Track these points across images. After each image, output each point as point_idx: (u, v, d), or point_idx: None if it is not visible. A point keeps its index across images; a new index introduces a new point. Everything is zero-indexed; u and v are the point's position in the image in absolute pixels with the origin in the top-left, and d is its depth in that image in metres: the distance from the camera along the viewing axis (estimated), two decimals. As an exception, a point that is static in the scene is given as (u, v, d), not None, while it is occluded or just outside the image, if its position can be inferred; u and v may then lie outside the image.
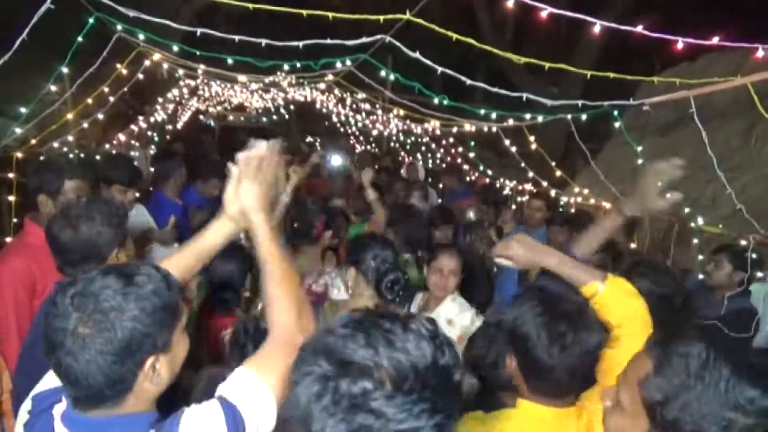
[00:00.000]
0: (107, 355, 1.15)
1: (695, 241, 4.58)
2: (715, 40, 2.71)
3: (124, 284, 1.19)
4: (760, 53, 2.74)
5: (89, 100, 4.85)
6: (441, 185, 8.42)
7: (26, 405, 1.34)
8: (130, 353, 1.18)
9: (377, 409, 0.83)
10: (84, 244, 2.01)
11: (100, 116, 5.27)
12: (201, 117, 14.97)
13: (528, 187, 6.38)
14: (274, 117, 14.69)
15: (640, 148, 4.70)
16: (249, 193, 1.51)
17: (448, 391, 0.89)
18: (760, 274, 3.67)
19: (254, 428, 1.23)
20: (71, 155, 5.26)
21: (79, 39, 3.68)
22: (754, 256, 3.69)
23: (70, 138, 5.29)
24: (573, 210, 5.59)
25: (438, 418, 0.86)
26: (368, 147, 11.73)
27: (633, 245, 4.36)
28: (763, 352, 1.65)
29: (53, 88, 4.37)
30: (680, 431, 1.06)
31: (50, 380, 1.35)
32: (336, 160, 7.88)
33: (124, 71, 4.97)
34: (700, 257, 4.22)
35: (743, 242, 3.88)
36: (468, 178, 7.96)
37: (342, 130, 12.16)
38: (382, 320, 0.91)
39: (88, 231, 2.02)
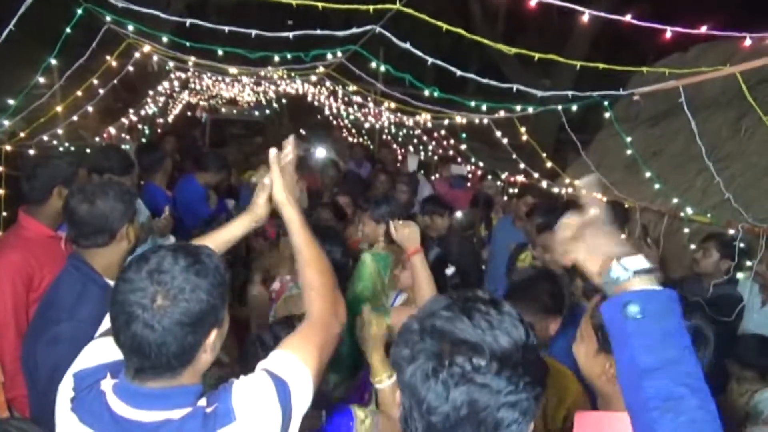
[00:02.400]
0: (184, 326, 1.25)
1: (685, 230, 4.61)
2: (704, 29, 2.71)
3: (193, 261, 1.29)
4: (747, 42, 2.74)
5: (79, 93, 4.82)
6: (435, 176, 8.46)
7: (68, 383, 1.39)
8: (201, 324, 1.28)
9: (488, 384, 0.93)
10: (98, 217, 2.16)
11: (90, 109, 5.23)
12: (193, 111, 14.90)
13: (520, 178, 6.40)
14: (266, 111, 14.63)
15: (629, 139, 4.73)
16: (279, 187, 1.65)
17: (539, 365, 1.00)
18: (748, 263, 3.70)
19: (298, 403, 1.32)
20: (61, 148, 5.23)
21: (68, 30, 3.63)
22: (741, 245, 3.73)
23: (60, 131, 5.24)
24: (565, 200, 5.61)
25: (538, 390, 0.97)
26: (361, 140, 11.71)
27: (623, 236, 4.38)
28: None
29: (41, 80, 4.33)
30: None
31: (90, 358, 1.43)
32: (320, 153, 7.73)
33: (114, 63, 4.93)
34: (692, 246, 4.25)
35: (731, 231, 3.91)
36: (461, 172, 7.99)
37: (335, 123, 12.13)
38: (478, 303, 1.01)
39: (102, 205, 2.18)
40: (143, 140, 7.70)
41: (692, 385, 0.92)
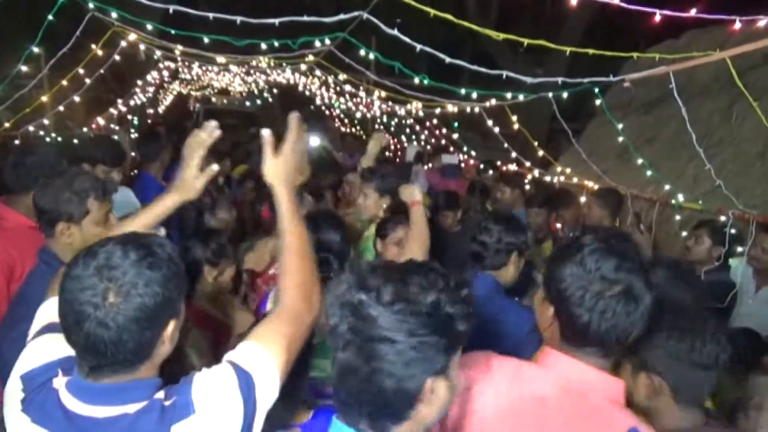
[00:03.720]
0: (140, 321, 1.20)
1: (677, 217, 4.60)
2: (693, 12, 2.69)
3: (144, 253, 1.23)
4: (737, 25, 2.72)
5: (64, 82, 4.76)
6: (428, 165, 8.43)
7: (16, 386, 1.33)
8: (158, 318, 1.24)
9: (369, 315, 1.06)
10: (41, 207, 2.14)
11: (77, 99, 5.17)
12: (185, 102, 14.80)
13: (512, 167, 6.39)
14: (258, 101, 14.55)
15: (620, 126, 4.71)
16: (275, 166, 1.59)
17: (440, 328, 1.08)
18: (740, 249, 3.69)
19: (263, 395, 1.27)
20: (48, 139, 5.18)
21: (50, 18, 3.58)
22: (733, 231, 3.72)
23: (46, 121, 5.19)
24: (557, 188, 5.59)
25: (415, 340, 1.05)
26: (353, 130, 11.68)
27: (616, 224, 4.37)
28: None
29: (24, 68, 4.27)
30: (562, 302, 1.35)
31: (36, 358, 1.36)
32: (314, 141, 7.61)
33: (100, 52, 4.86)
34: (684, 234, 4.25)
35: (723, 218, 3.90)
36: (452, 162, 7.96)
37: (327, 113, 12.08)
38: (409, 267, 1.14)
39: (45, 195, 2.14)
40: (132, 130, 7.64)
41: None
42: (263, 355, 1.30)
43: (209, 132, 1.72)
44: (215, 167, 1.80)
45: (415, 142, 9.69)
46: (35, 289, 1.98)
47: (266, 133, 1.62)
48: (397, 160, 9.21)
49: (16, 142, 4.39)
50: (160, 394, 1.25)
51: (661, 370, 1.57)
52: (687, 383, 1.57)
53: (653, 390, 1.58)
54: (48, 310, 1.49)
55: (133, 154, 5.74)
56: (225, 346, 2.07)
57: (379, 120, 9.94)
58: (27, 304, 1.95)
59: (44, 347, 1.39)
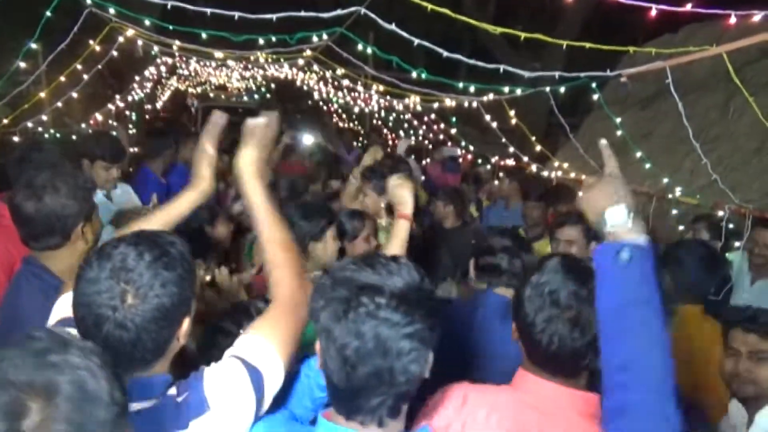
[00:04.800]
0: (159, 321, 1.22)
1: (674, 212, 4.62)
2: (689, 6, 2.69)
3: (159, 254, 1.24)
4: (732, 20, 2.73)
5: (62, 78, 4.75)
6: (427, 160, 8.44)
7: None
8: (174, 317, 1.26)
9: (389, 318, 1.08)
10: (48, 216, 1.91)
11: (75, 95, 5.17)
12: (183, 98, 14.77)
13: (510, 162, 6.40)
14: (256, 96, 14.51)
15: (619, 120, 4.72)
16: (247, 158, 1.60)
17: (432, 305, 1.15)
18: (737, 243, 3.72)
19: (269, 391, 1.29)
20: (46, 135, 5.17)
21: (48, 14, 3.58)
22: (730, 225, 3.74)
23: (45, 118, 5.18)
24: (554, 183, 5.61)
25: (429, 323, 1.11)
26: (351, 125, 11.67)
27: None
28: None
29: (22, 64, 4.27)
30: (522, 322, 1.42)
31: None
32: (307, 140, 7.50)
33: (98, 48, 4.86)
34: (681, 227, 4.27)
35: (720, 213, 3.92)
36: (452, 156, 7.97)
37: (325, 108, 12.07)
38: (380, 258, 1.18)
39: (52, 203, 1.91)
40: (131, 126, 7.63)
41: (656, 313, 1.21)
42: (269, 350, 1.31)
43: (216, 120, 1.77)
44: (211, 150, 1.77)
45: (404, 136, 9.67)
46: (27, 311, 1.88)
47: (251, 122, 1.64)
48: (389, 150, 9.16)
49: (15, 138, 4.38)
50: (172, 391, 1.26)
51: None
52: None
53: None
54: (64, 305, 1.49)
55: (131, 150, 5.74)
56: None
57: (377, 115, 9.94)
58: (17, 324, 1.85)
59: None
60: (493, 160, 6.67)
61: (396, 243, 2.14)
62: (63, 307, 1.50)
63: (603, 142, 1.46)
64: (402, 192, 2.12)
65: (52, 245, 1.94)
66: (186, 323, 1.30)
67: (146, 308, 1.20)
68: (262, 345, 1.31)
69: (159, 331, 1.22)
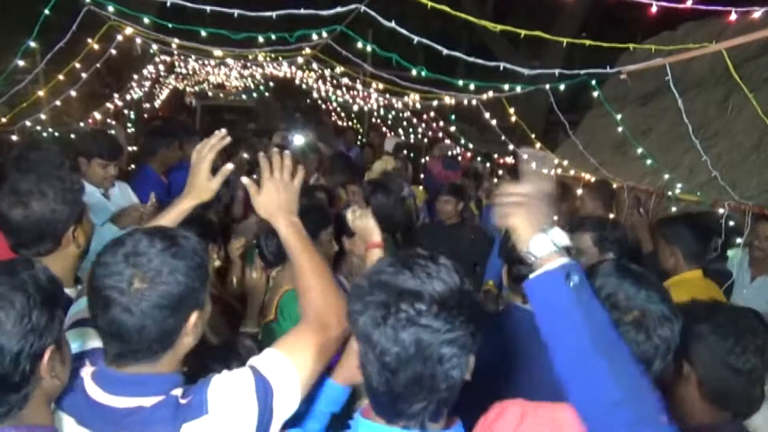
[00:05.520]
0: (163, 309, 1.23)
1: (673, 209, 4.62)
2: (689, 3, 2.69)
3: (169, 243, 1.27)
4: (732, 17, 2.73)
5: (60, 77, 4.74)
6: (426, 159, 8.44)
7: None
8: (181, 307, 1.26)
9: (430, 324, 1.06)
10: (36, 222, 1.85)
11: (74, 93, 5.15)
12: (181, 97, 14.75)
13: (510, 160, 6.40)
14: (254, 94, 14.51)
15: (618, 117, 4.72)
16: (264, 200, 1.64)
17: (474, 307, 1.13)
18: (739, 240, 3.72)
19: (280, 404, 1.28)
20: (45, 134, 5.16)
21: (46, 12, 3.57)
22: (731, 222, 3.75)
23: (43, 116, 5.17)
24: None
25: (471, 327, 1.09)
26: (350, 123, 11.66)
27: (611, 215, 4.39)
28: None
29: (20, 63, 4.26)
30: None
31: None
32: (298, 140, 7.36)
33: (96, 46, 4.85)
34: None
35: (721, 210, 3.93)
36: (451, 153, 7.97)
37: (324, 106, 12.05)
38: (418, 258, 1.14)
39: (40, 208, 1.85)
40: (129, 125, 7.62)
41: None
42: (286, 364, 1.31)
43: (219, 138, 1.80)
44: (230, 166, 1.82)
45: (403, 134, 9.64)
46: None
47: (246, 181, 1.67)
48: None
49: (13, 137, 4.37)
50: (178, 391, 1.27)
51: (694, 360, 1.55)
52: (715, 380, 1.54)
53: (681, 377, 1.58)
54: (78, 309, 1.53)
55: (129, 148, 5.73)
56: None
57: (376, 113, 9.93)
58: None
59: (74, 340, 1.42)
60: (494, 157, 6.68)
61: None
62: (77, 310, 1.53)
63: (524, 152, 1.45)
64: (364, 223, 2.07)
65: (43, 251, 1.88)
66: (194, 317, 1.29)
67: (152, 294, 1.22)
68: (280, 360, 1.32)
69: (164, 319, 1.23)
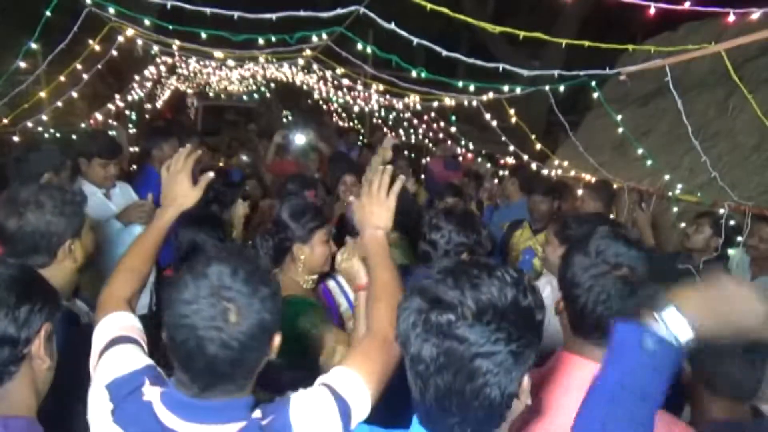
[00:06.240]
0: (258, 338, 1.21)
1: (674, 209, 4.63)
2: (687, 4, 2.69)
3: (252, 269, 1.24)
4: (731, 18, 2.73)
5: (62, 78, 4.76)
6: (427, 159, 8.44)
7: (101, 395, 1.30)
8: (272, 333, 1.26)
9: (460, 336, 1.01)
10: (31, 234, 1.81)
11: (75, 95, 5.17)
12: (183, 98, 14.76)
13: (510, 160, 6.40)
14: (255, 95, 14.52)
15: (619, 117, 4.72)
16: (368, 212, 1.74)
17: (527, 325, 1.06)
18: (739, 239, 3.73)
19: (355, 423, 1.29)
20: (46, 135, 5.18)
21: (48, 13, 3.58)
22: (732, 222, 3.75)
23: (45, 117, 5.19)
24: (554, 181, 5.60)
25: (513, 346, 1.02)
26: (351, 124, 11.66)
27: (611, 216, 4.40)
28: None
29: (22, 64, 4.27)
30: (567, 288, 1.45)
31: (119, 366, 1.34)
32: (299, 139, 7.31)
33: (97, 48, 4.86)
34: (683, 224, 4.28)
35: (722, 210, 3.93)
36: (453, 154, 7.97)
37: (325, 107, 12.06)
38: (471, 268, 1.09)
39: (36, 219, 1.81)
40: (130, 125, 7.63)
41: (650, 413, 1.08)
42: (359, 383, 1.32)
43: (190, 151, 1.92)
44: (210, 174, 1.90)
45: (392, 134, 9.62)
46: None
47: (352, 199, 1.83)
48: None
49: (15, 138, 4.39)
50: (257, 413, 1.25)
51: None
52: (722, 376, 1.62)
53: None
54: (108, 328, 1.47)
55: (131, 149, 5.74)
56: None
57: (377, 114, 9.93)
58: None
59: (124, 356, 1.38)
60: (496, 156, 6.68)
61: (360, 314, 2.06)
62: (108, 329, 1.47)
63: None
64: (350, 266, 2.10)
65: (39, 264, 1.81)
66: (277, 339, 1.29)
67: (249, 325, 1.19)
68: (352, 377, 1.33)
69: (259, 348, 1.23)
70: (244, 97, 15.13)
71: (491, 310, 1.03)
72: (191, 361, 1.20)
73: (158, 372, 1.33)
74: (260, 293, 1.22)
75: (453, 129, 7.50)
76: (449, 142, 8.16)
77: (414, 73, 4.53)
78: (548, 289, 2.73)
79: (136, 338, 1.45)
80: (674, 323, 1.07)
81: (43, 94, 4.91)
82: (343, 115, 11.83)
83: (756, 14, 2.74)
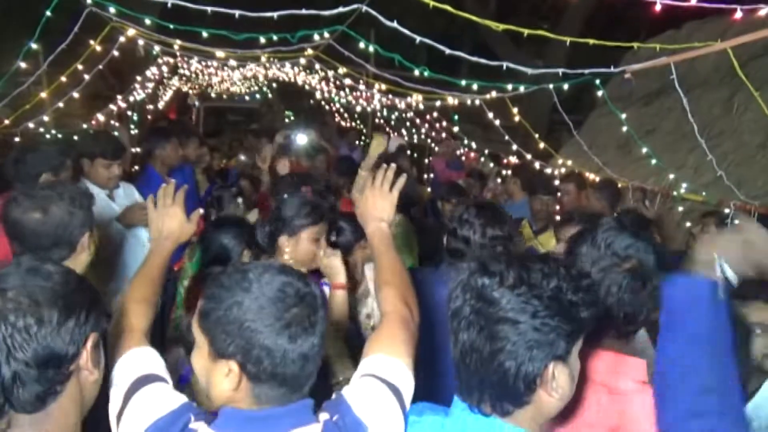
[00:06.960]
0: (320, 346, 1.25)
1: (679, 209, 4.59)
2: (693, 1, 2.66)
3: (306, 283, 1.26)
4: (738, 14, 2.70)
5: (63, 78, 4.74)
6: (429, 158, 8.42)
7: None
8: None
9: (492, 298, 1.09)
10: (55, 227, 1.81)
11: (76, 95, 5.15)
12: (184, 98, 14.76)
13: (513, 159, 6.37)
14: (257, 96, 14.51)
15: (624, 116, 4.69)
16: (371, 206, 1.81)
17: (561, 312, 1.08)
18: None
19: (408, 401, 1.33)
20: (48, 135, 5.16)
21: (48, 13, 3.56)
22: (736, 221, 3.71)
23: (46, 118, 5.17)
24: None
25: (537, 322, 1.06)
26: (353, 124, 11.64)
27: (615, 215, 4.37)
28: None
29: (23, 65, 4.26)
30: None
31: (155, 409, 1.27)
32: (301, 140, 7.27)
33: (98, 48, 4.85)
34: (688, 224, 4.25)
35: (726, 210, 3.90)
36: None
37: (327, 107, 12.03)
38: (530, 258, 1.15)
39: (58, 212, 1.82)
40: (132, 126, 7.62)
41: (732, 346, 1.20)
42: (401, 366, 1.35)
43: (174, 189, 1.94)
44: (200, 210, 1.98)
45: (396, 134, 9.59)
46: None
47: (355, 194, 1.88)
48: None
49: (16, 139, 4.37)
50: (324, 415, 1.25)
51: None
52: None
53: None
54: (131, 367, 1.39)
55: (134, 150, 5.73)
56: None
57: (379, 113, 9.91)
58: None
59: (159, 396, 1.31)
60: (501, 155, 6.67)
61: (338, 313, 2.19)
62: (131, 366, 1.39)
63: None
64: (331, 263, 2.19)
65: (57, 258, 1.79)
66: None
67: (316, 334, 1.23)
68: (393, 362, 1.35)
69: (321, 352, 1.26)
70: (246, 98, 15.12)
71: (526, 286, 1.08)
72: (274, 375, 1.20)
73: (197, 408, 1.29)
74: (318, 302, 1.26)
75: (456, 128, 7.47)
76: (451, 140, 8.13)
77: (416, 72, 4.51)
78: None
79: (163, 376, 1.39)
80: (728, 272, 1.23)
81: (44, 94, 4.90)
82: (345, 115, 11.80)
83: (762, 11, 2.70)
